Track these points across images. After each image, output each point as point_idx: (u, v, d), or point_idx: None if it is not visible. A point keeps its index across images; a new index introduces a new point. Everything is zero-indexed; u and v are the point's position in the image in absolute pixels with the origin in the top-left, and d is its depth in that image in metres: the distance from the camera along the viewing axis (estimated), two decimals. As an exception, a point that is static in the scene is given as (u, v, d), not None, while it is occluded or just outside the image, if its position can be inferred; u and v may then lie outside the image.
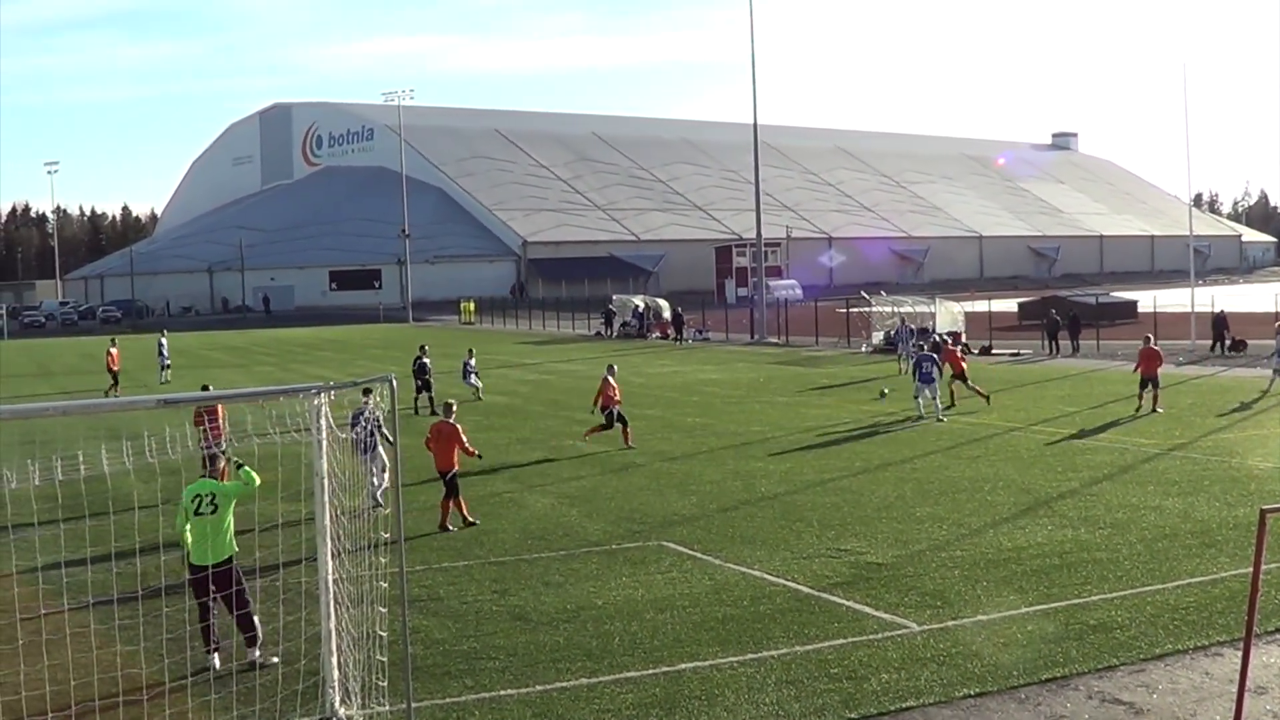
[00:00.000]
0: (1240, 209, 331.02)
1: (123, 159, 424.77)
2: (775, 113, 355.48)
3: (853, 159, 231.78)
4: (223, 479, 16.54)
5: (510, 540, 23.72)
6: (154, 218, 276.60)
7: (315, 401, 14.23)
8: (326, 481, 14.43)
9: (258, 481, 16.56)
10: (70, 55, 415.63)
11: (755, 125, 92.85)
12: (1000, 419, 39.74)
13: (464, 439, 25.80)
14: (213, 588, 16.01)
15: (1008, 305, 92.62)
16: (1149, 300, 77.07)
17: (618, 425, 35.90)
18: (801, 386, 52.32)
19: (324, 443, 14.32)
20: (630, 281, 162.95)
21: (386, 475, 26.32)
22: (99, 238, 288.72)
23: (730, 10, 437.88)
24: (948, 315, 72.60)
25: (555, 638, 17.23)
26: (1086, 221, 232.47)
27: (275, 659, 15.97)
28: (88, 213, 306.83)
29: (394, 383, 14.16)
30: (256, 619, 16.43)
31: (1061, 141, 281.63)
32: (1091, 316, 75.67)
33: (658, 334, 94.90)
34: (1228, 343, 62.92)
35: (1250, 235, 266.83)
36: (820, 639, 16.83)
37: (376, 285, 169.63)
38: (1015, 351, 68.68)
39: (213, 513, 16.19)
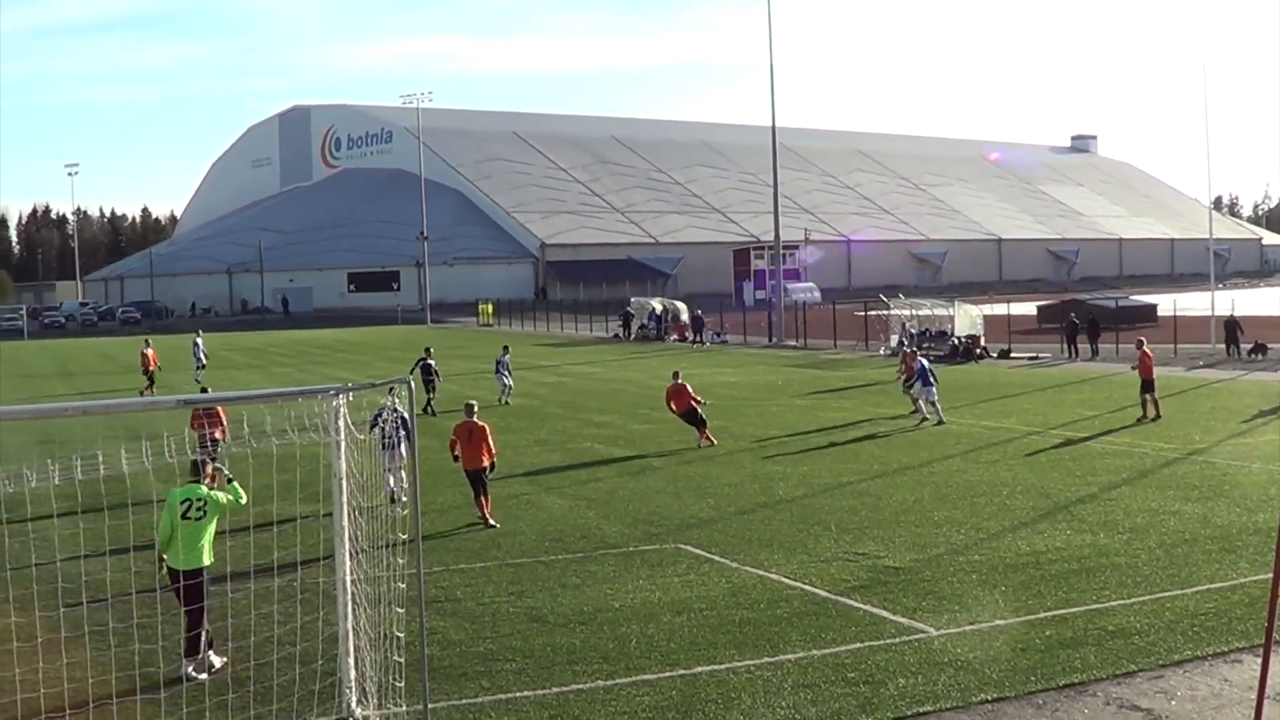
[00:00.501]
0: (1261, 212, 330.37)
1: (142, 161, 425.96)
2: (793, 115, 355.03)
3: (871, 161, 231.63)
4: (212, 483, 16.51)
5: (528, 542, 23.73)
6: (173, 219, 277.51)
7: (334, 403, 14.25)
8: (345, 483, 14.45)
9: (244, 500, 16.56)
10: (90, 57, 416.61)
11: (774, 128, 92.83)
12: (1019, 423, 39.64)
13: (491, 439, 25.91)
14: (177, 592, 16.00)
15: (1027, 308, 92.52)
16: (1169, 304, 76.84)
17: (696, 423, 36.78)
18: (819, 389, 52.29)
19: (342, 444, 14.33)
20: (648, 284, 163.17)
21: (404, 474, 26.48)
22: (119, 239, 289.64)
23: (747, 12, 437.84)
24: (966, 318, 72.42)
25: (572, 640, 17.22)
26: (1106, 224, 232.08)
27: (202, 675, 15.90)
28: (108, 214, 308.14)
29: (411, 385, 14.20)
30: (205, 635, 16.28)
31: (1081, 144, 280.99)
32: (1111, 320, 75.45)
33: (676, 336, 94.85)
34: (1245, 347, 62.64)
35: (1271, 238, 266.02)
36: (837, 643, 16.79)
37: (395, 287, 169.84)
38: (1034, 355, 68.61)
39: (200, 518, 16.10)
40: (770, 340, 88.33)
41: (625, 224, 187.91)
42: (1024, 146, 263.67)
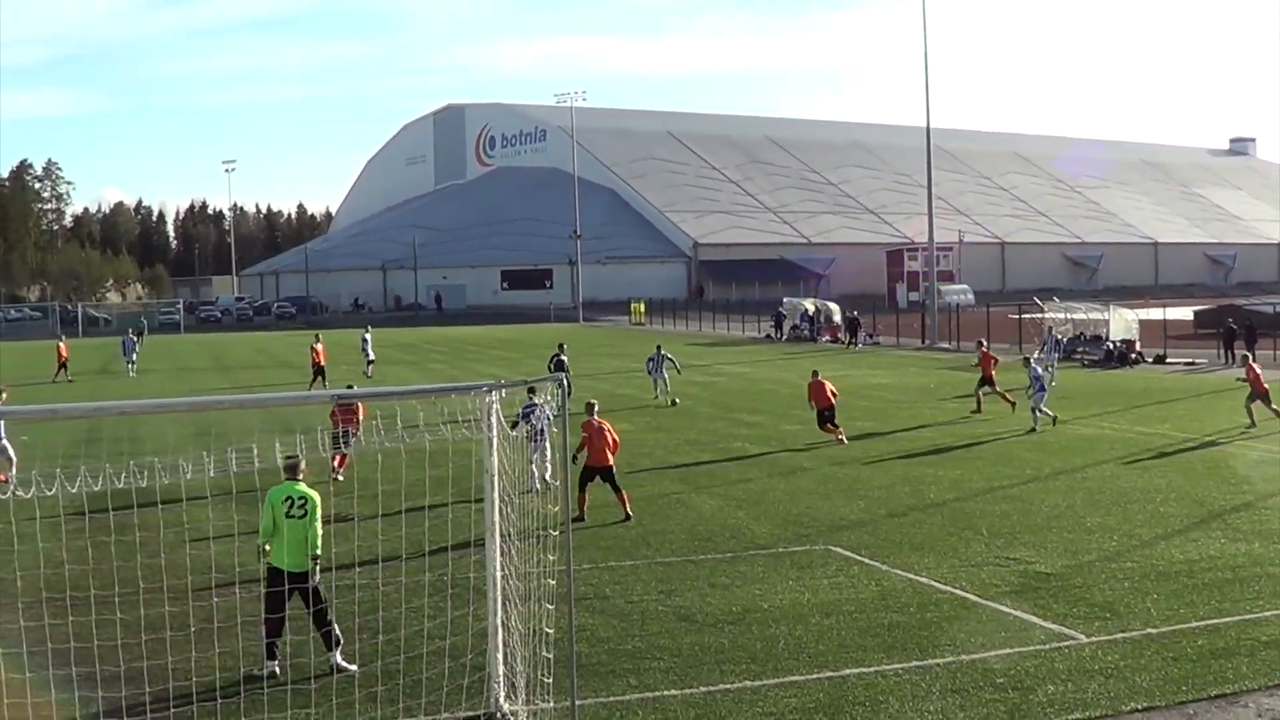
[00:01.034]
0: None
1: (298, 158, 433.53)
2: (947, 115, 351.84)
3: (1025, 163, 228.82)
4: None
5: (677, 541, 23.80)
6: (328, 216, 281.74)
7: (487, 399, 14.39)
8: (497, 479, 14.58)
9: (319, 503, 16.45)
10: (247, 56, 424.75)
11: (928, 128, 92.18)
12: (1173, 429, 39.03)
13: (611, 437, 26.08)
14: (292, 596, 16.02)
15: (1183, 313, 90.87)
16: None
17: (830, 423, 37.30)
18: (972, 392, 51.80)
19: (494, 440, 14.47)
20: (800, 284, 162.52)
21: (549, 465, 27.64)
22: (274, 235, 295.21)
23: (902, 10, 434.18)
24: (1121, 323, 71.27)
25: (720, 639, 17.26)
26: (1264, 229, 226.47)
27: (353, 666, 16.01)
28: (264, 211, 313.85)
29: (565, 382, 14.33)
30: (335, 627, 16.27)
31: (1239, 147, 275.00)
32: (1269, 326, 73.63)
33: (828, 337, 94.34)
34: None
35: None
36: (987, 648, 16.67)
37: (547, 285, 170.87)
38: (1190, 360, 67.35)
39: (302, 516, 15.93)
40: (923, 343, 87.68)
41: (778, 224, 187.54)
42: (1179, 148, 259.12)
